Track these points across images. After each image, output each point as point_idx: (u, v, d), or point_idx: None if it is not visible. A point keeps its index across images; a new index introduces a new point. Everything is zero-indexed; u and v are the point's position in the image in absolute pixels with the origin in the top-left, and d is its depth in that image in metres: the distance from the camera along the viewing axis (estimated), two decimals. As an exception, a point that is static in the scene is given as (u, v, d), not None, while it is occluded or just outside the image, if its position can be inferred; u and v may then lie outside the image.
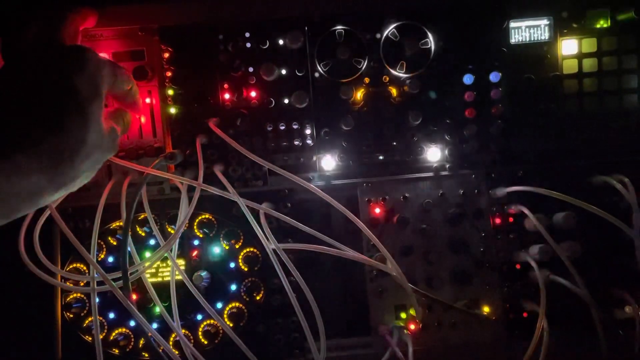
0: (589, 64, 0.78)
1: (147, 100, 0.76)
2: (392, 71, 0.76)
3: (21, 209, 0.51)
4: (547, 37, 0.77)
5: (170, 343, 0.74)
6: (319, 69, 0.76)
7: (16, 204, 0.50)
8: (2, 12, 0.71)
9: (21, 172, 0.47)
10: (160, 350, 0.68)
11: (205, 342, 0.77)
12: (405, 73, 0.76)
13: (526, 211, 0.74)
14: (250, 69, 0.76)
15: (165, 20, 0.75)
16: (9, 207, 0.49)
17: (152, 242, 0.78)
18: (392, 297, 0.79)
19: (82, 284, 0.73)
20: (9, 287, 0.78)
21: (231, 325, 0.76)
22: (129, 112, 0.71)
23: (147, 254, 0.76)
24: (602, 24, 0.77)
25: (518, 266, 0.79)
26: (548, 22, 0.77)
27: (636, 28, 0.77)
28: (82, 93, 0.53)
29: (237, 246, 0.78)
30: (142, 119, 0.76)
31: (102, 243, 0.77)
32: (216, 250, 0.78)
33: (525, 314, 0.78)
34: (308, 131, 0.78)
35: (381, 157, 0.79)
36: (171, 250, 0.70)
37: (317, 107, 0.78)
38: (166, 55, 0.75)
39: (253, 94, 0.77)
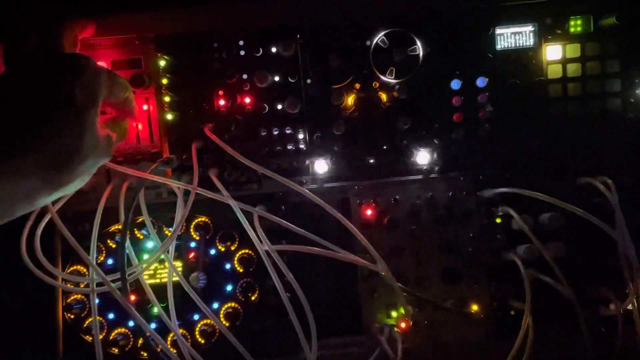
0: (573, 69, 0.80)
1: (145, 107, 0.78)
2: (382, 77, 0.79)
3: (17, 210, 0.53)
4: (532, 43, 0.79)
5: (168, 342, 0.76)
6: (311, 75, 0.78)
7: (13, 206, 0.52)
8: (5, 20, 0.73)
9: (18, 174, 0.49)
10: (159, 350, 0.70)
11: (202, 341, 0.79)
12: (394, 79, 0.78)
13: (512, 212, 0.76)
14: (244, 76, 0.78)
15: (161, 29, 0.77)
16: (5, 208, 0.51)
17: (149, 244, 0.80)
18: (384, 296, 0.81)
19: (82, 286, 0.75)
20: (11, 289, 0.80)
21: (227, 324, 0.78)
22: (126, 120, 0.73)
23: (145, 256, 0.78)
24: (586, 30, 0.79)
25: (505, 266, 0.81)
26: (533, 29, 0.79)
27: (618, 33, 0.79)
28: (79, 100, 0.55)
29: (232, 248, 0.80)
30: (140, 126, 0.79)
31: (101, 246, 0.80)
32: (212, 252, 0.80)
33: (512, 312, 0.80)
34: (301, 136, 0.81)
35: (372, 161, 0.81)
36: (168, 252, 0.72)
37: (309, 113, 0.80)
38: (162, 63, 0.77)
39: (247, 100, 0.79)
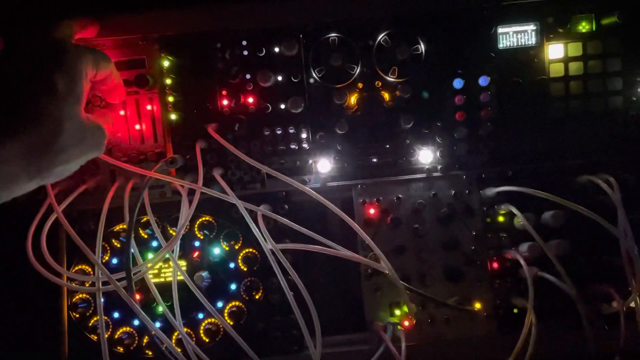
0: (574, 68, 0.80)
1: (148, 107, 0.79)
2: (384, 76, 0.79)
3: None
4: (534, 42, 0.80)
5: (173, 341, 0.77)
6: (314, 75, 0.79)
7: None
8: (6, 17, 0.73)
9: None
10: (164, 348, 0.71)
11: (207, 340, 0.80)
12: (397, 78, 0.79)
13: (515, 210, 0.77)
14: (248, 76, 0.79)
15: (165, 30, 0.77)
16: None
17: (154, 243, 0.80)
18: (387, 294, 0.81)
19: (87, 285, 0.75)
20: (17, 288, 0.80)
21: (231, 323, 0.78)
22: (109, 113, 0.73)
23: (150, 256, 0.78)
24: (587, 28, 0.79)
25: (508, 264, 0.81)
26: (535, 28, 0.79)
27: (620, 32, 0.79)
28: (59, 86, 0.56)
29: (236, 247, 0.81)
30: (144, 126, 0.79)
31: (106, 245, 0.80)
32: (216, 251, 0.81)
33: (515, 310, 0.81)
34: (304, 135, 0.81)
35: (375, 160, 0.82)
36: (173, 252, 0.73)
37: (312, 112, 0.80)
38: (166, 63, 0.78)
39: (250, 99, 0.79)
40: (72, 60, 0.58)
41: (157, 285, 0.74)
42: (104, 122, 0.66)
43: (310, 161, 0.82)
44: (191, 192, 0.75)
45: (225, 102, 0.79)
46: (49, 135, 0.54)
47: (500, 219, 0.82)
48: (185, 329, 0.78)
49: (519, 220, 0.76)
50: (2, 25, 0.71)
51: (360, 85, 0.80)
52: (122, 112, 0.79)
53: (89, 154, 0.63)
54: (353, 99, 0.80)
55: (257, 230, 0.71)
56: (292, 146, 0.81)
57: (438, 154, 0.81)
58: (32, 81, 0.55)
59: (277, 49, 0.78)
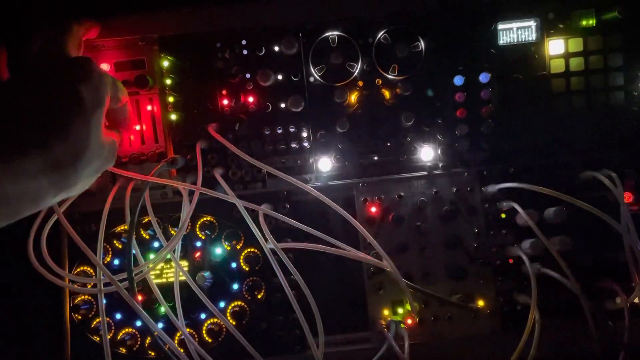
0: (575, 63, 0.80)
1: (149, 107, 0.79)
2: (385, 74, 0.79)
3: (24, 210, 0.53)
4: (534, 38, 0.79)
5: (176, 342, 0.77)
6: (314, 73, 0.78)
7: (20, 206, 0.52)
8: (8, 25, 0.73)
9: (26, 175, 0.50)
10: (166, 349, 0.71)
11: (210, 340, 0.80)
12: (397, 76, 0.78)
13: (517, 207, 0.76)
14: (247, 75, 0.79)
15: (164, 30, 0.77)
16: (13, 208, 0.51)
17: (156, 244, 0.80)
18: (389, 293, 0.81)
19: (89, 286, 0.75)
20: (18, 291, 0.80)
21: (234, 323, 0.78)
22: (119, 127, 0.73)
23: (152, 256, 0.78)
24: (588, 23, 0.79)
25: (511, 260, 0.81)
26: (535, 23, 0.79)
27: (620, 27, 0.79)
28: (86, 101, 0.56)
29: (238, 247, 0.81)
30: (144, 127, 0.79)
31: (107, 246, 0.80)
32: (218, 251, 0.81)
33: (518, 307, 0.80)
34: (304, 134, 0.81)
35: (376, 158, 0.81)
36: (174, 252, 0.73)
37: (312, 111, 0.80)
38: (166, 63, 0.78)
39: (250, 99, 0.79)
40: (98, 78, 0.58)
41: (159, 285, 0.74)
42: (115, 134, 0.67)
43: (311, 160, 0.81)
44: (192, 192, 0.74)
45: (225, 101, 0.79)
46: (76, 150, 0.54)
47: (503, 216, 0.81)
48: (187, 330, 0.78)
49: (522, 216, 0.76)
50: (3, 29, 0.71)
51: (360, 83, 0.80)
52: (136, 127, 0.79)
53: (105, 166, 0.63)
54: (353, 97, 0.80)
55: (257, 229, 0.71)
56: (293, 145, 0.81)
57: (439, 151, 0.81)
58: (61, 96, 0.55)
59: (276, 48, 0.78)
